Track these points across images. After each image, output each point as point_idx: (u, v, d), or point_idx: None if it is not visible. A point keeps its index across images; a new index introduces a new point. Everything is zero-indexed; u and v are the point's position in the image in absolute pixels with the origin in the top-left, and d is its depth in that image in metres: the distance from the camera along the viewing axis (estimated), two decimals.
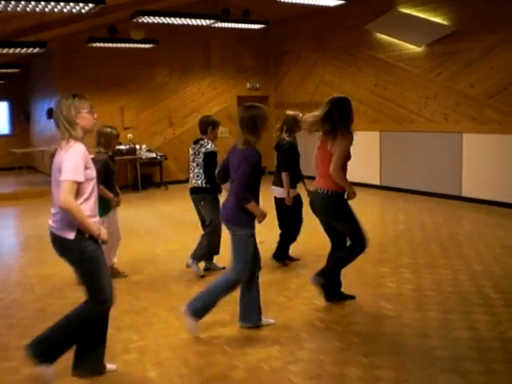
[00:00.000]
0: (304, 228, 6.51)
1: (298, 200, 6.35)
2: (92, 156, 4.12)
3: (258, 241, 4.53)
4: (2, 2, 7.28)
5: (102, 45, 12.19)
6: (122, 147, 12.73)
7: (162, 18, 10.40)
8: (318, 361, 4.00)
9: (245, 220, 4.38)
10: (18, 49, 10.96)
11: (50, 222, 3.63)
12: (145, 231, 8.58)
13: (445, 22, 10.24)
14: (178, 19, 10.66)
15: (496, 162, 9.56)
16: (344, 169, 4.89)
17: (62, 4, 7.58)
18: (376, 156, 12.04)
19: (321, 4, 10.09)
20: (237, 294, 4.68)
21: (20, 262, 7.24)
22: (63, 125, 3.53)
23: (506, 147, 9.42)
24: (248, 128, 4.40)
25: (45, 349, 3.68)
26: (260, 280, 4.66)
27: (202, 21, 10.96)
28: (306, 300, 5.23)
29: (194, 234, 7.58)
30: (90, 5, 7.69)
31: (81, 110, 3.57)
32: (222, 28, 12.35)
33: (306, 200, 5.61)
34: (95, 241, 3.59)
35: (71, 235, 3.50)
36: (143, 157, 13.23)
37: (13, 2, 7.25)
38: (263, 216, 4.42)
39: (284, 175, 6.15)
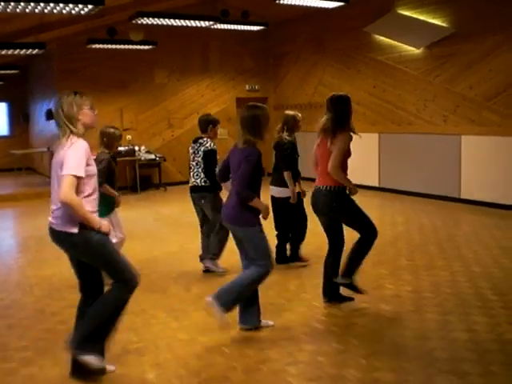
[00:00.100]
0: None
1: (298, 198, 6.37)
2: (94, 156, 4.14)
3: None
4: (2, 3, 7.28)
5: (101, 46, 12.19)
6: (121, 148, 12.70)
7: (161, 19, 10.40)
8: (317, 363, 4.00)
9: (249, 218, 4.39)
10: (18, 50, 10.96)
11: (50, 218, 3.63)
12: (144, 233, 8.58)
13: (444, 24, 10.25)
14: (177, 20, 10.67)
15: (495, 163, 9.57)
16: (344, 166, 4.90)
17: (61, 5, 7.58)
18: (375, 158, 12.04)
19: (320, 6, 10.11)
20: None
21: (19, 263, 7.24)
22: (63, 122, 3.55)
23: (504, 149, 9.43)
24: (249, 128, 4.40)
25: (84, 341, 3.65)
26: None
27: (201, 22, 10.97)
28: (305, 302, 5.24)
29: (193, 235, 7.58)
30: (90, 6, 7.70)
31: (82, 106, 3.60)
32: (221, 29, 12.34)
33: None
34: (98, 231, 3.59)
35: (75, 229, 3.50)
36: (142, 158, 13.24)
37: (12, 3, 7.24)
38: (267, 210, 4.45)
39: (286, 174, 6.17)
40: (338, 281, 5.05)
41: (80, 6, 7.65)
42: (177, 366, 4.00)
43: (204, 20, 10.89)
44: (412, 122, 11.18)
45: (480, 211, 9.45)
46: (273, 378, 3.80)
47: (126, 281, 3.71)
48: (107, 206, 5.52)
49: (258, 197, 4.44)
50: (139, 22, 10.33)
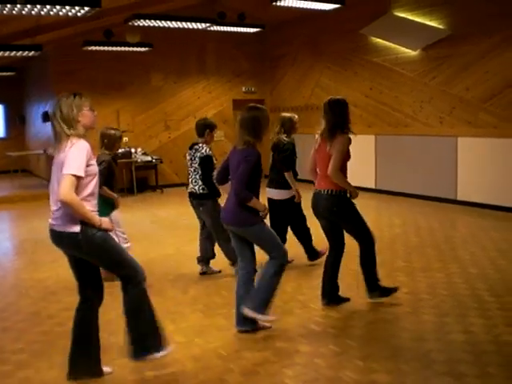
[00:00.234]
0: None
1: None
2: (94, 158, 4.13)
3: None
4: None
5: (97, 48, 12.19)
6: (118, 150, 12.69)
7: (157, 21, 10.41)
8: (314, 364, 4.00)
9: (250, 219, 4.42)
10: (14, 52, 10.95)
11: (51, 220, 3.62)
12: (140, 235, 8.56)
13: (440, 26, 10.28)
14: (173, 23, 10.67)
15: (491, 165, 9.58)
16: (344, 169, 4.91)
17: (57, 7, 7.56)
18: (371, 159, 12.05)
19: (317, 8, 10.11)
20: (233, 297, 4.68)
21: (15, 266, 7.22)
22: (63, 124, 3.54)
23: (500, 151, 9.45)
24: (249, 129, 4.41)
25: (144, 344, 3.78)
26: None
27: (198, 24, 10.97)
28: (302, 304, 5.24)
29: (190, 237, 7.58)
30: (86, 8, 7.68)
31: (82, 107, 3.60)
32: (217, 32, 12.36)
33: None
34: (100, 229, 3.59)
35: (77, 228, 3.49)
36: (139, 160, 13.22)
37: (8, 5, 7.23)
38: (266, 209, 4.48)
39: (287, 175, 6.18)
40: (373, 299, 5.14)
41: (76, 8, 7.63)
42: (174, 368, 3.99)
43: (200, 22, 10.89)
44: (408, 123, 11.20)
45: (476, 213, 9.46)
46: (270, 380, 3.80)
47: (131, 276, 3.71)
48: (106, 207, 5.50)
49: (257, 197, 4.45)
50: (135, 24, 10.34)
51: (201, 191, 5.99)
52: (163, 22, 10.51)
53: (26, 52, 11.01)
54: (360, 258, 5.12)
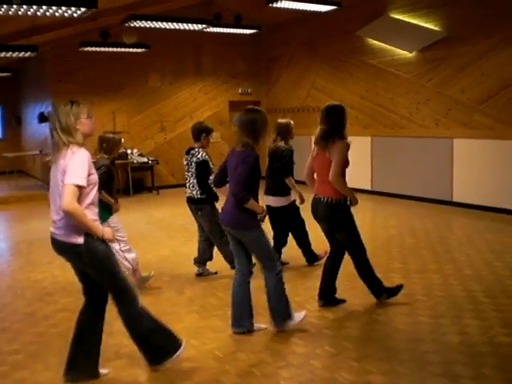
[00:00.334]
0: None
1: (294, 206, 6.42)
2: (94, 160, 4.13)
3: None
4: None
5: (94, 49, 12.17)
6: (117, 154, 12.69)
7: (154, 22, 10.39)
8: (310, 366, 4.00)
9: (249, 221, 4.42)
10: (10, 52, 10.93)
11: (53, 229, 3.62)
12: (136, 236, 8.53)
13: (436, 28, 10.30)
14: (170, 24, 10.67)
15: (486, 167, 9.61)
16: (343, 175, 4.91)
17: (54, 8, 7.55)
18: (367, 161, 12.07)
19: (313, 9, 10.12)
20: (229, 298, 4.69)
21: (11, 267, 7.21)
22: (58, 133, 3.53)
23: (496, 152, 9.48)
24: (247, 131, 4.42)
25: (159, 353, 3.88)
26: (251, 285, 4.67)
27: (194, 25, 10.97)
28: (297, 305, 5.23)
29: (186, 239, 7.58)
30: (83, 9, 7.66)
31: (80, 115, 3.58)
32: (214, 33, 12.36)
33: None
34: (103, 241, 3.60)
35: (80, 240, 3.50)
36: (135, 161, 13.21)
37: (4, 6, 7.22)
38: (264, 211, 4.49)
39: (287, 180, 6.21)
40: (383, 300, 5.20)
41: (73, 8, 7.62)
42: (169, 369, 3.99)
43: (197, 23, 10.88)
44: (404, 125, 11.22)
45: (472, 214, 9.49)
46: (265, 382, 3.80)
47: (123, 294, 3.74)
48: (104, 212, 5.49)
49: (256, 199, 4.45)
50: (132, 24, 10.33)
51: (199, 196, 5.98)
52: (160, 23, 10.50)
53: (22, 53, 11.00)
54: (357, 271, 5.16)
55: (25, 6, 7.38)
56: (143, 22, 10.25)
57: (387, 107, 11.56)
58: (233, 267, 6.05)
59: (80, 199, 3.45)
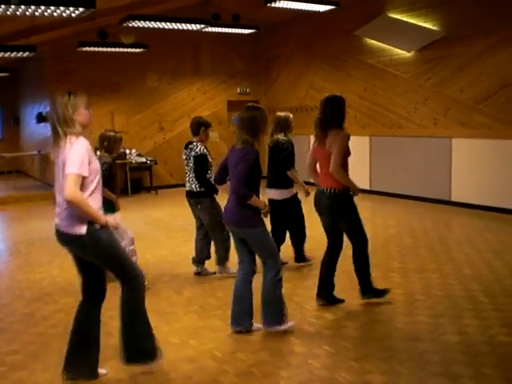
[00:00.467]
0: None
1: (296, 199, 6.42)
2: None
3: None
4: None
5: (92, 49, 12.16)
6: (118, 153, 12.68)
7: (152, 22, 10.38)
8: (309, 365, 4.00)
9: (252, 218, 4.43)
10: (8, 53, 10.91)
11: (57, 220, 3.63)
12: (135, 236, 8.51)
13: (434, 28, 10.30)
14: (168, 24, 10.66)
15: (485, 166, 9.61)
16: (345, 165, 4.93)
17: (52, 8, 7.54)
18: (366, 161, 12.06)
19: (311, 9, 10.12)
20: (228, 298, 4.68)
21: (9, 267, 7.19)
22: (60, 123, 3.54)
23: (495, 152, 9.48)
24: (247, 128, 4.44)
25: (135, 352, 3.82)
26: (253, 285, 4.66)
27: (193, 25, 10.96)
28: (296, 305, 5.23)
29: (184, 239, 7.57)
30: (81, 9, 7.66)
31: (77, 106, 3.59)
32: (212, 33, 12.36)
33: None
34: (106, 229, 3.60)
35: (83, 230, 3.51)
36: (133, 161, 13.20)
37: (2, 6, 7.21)
38: (266, 207, 4.49)
39: (290, 173, 6.21)
40: (365, 299, 5.17)
41: (71, 8, 7.61)
42: (168, 369, 3.98)
43: (195, 23, 10.88)
44: (403, 125, 11.22)
45: (471, 214, 9.48)
46: (265, 381, 3.79)
47: (131, 278, 3.74)
48: (106, 208, 5.47)
49: (258, 196, 4.46)
50: (130, 24, 10.32)
51: (198, 189, 5.99)
52: (158, 23, 10.49)
53: (20, 53, 10.97)
54: (353, 259, 5.15)
55: (23, 6, 7.37)
56: (141, 21, 10.24)
57: (386, 107, 11.56)
58: (218, 264, 6.11)
59: (83, 188, 3.46)
